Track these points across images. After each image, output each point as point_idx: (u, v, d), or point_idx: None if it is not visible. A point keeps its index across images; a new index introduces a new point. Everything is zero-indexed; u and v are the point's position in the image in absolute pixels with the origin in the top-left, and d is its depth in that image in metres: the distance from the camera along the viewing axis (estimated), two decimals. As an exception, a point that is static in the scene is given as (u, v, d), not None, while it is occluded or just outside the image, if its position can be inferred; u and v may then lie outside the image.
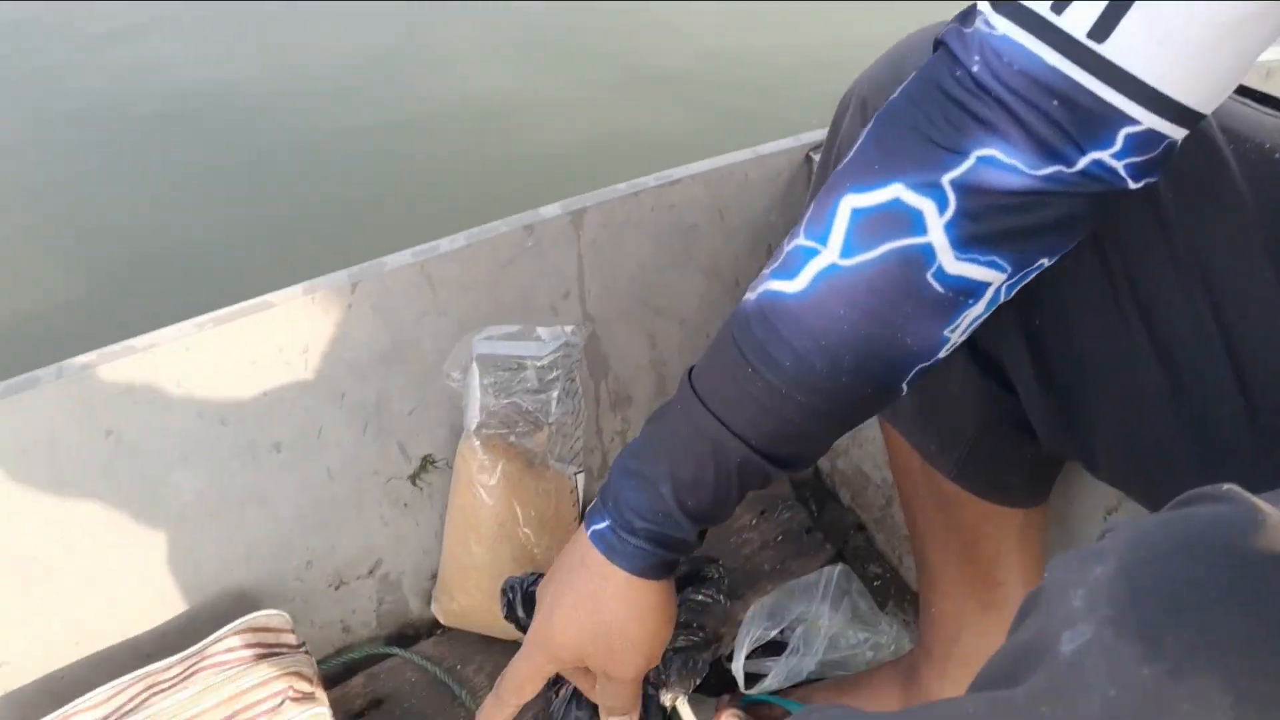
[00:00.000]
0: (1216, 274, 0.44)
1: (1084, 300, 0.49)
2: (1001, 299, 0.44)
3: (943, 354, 0.46)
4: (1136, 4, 0.34)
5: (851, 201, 0.43)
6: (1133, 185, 0.39)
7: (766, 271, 0.47)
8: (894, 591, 0.94)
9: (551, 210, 0.82)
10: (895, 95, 0.43)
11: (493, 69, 2.57)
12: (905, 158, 0.41)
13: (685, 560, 0.65)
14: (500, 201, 1.71)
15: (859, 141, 0.44)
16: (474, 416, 0.81)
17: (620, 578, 0.52)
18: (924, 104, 0.41)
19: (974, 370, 0.58)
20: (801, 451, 0.50)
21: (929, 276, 0.42)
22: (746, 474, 0.50)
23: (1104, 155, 0.38)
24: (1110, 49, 0.35)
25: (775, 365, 0.45)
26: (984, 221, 0.40)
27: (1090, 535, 0.73)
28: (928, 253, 0.41)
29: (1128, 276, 0.47)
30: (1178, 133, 0.38)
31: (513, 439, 0.83)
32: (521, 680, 0.58)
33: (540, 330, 0.82)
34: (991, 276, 0.42)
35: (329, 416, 0.79)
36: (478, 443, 0.81)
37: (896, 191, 0.41)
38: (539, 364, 0.81)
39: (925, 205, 0.41)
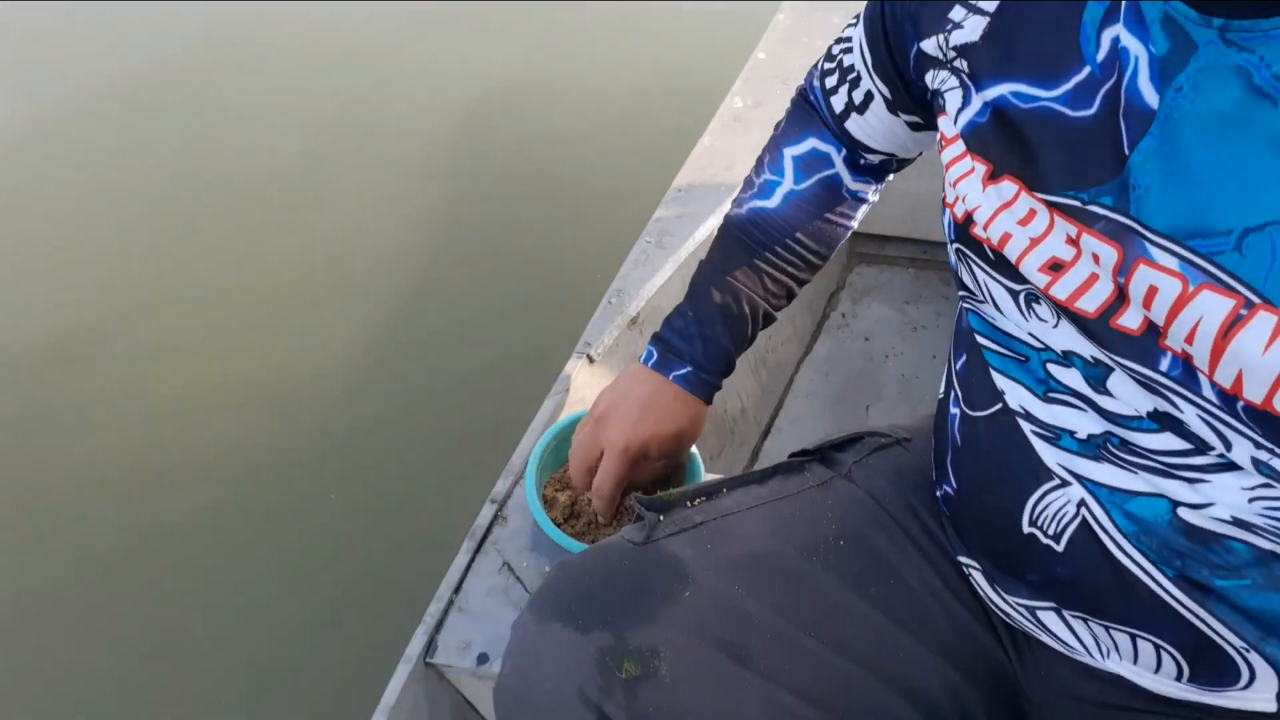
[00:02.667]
0: None
1: None
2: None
3: (849, 233, 0.81)
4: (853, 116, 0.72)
5: (790, 152, 0.77)
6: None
7: (745, 196, 0.79)
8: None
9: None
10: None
11: None
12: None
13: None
14: None
15: (785, 123, 0.80)
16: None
17: (700, 404, 0.78)
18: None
19: None
20: (783, 302, 0.81)
21: (843, 192, 0.77)
22: (756, 317, 0.78)
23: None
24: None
25: (773, 250, 0.78)
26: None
27: None
28: (839, 179, 0.77)
29: None
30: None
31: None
32: (620, 478, 0.78)
33: None
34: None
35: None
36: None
37: (813, 143, 0.76)
38: None
39: (830, 150, 0.76)
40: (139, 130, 2.48)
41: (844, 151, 0.75)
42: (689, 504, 0.67)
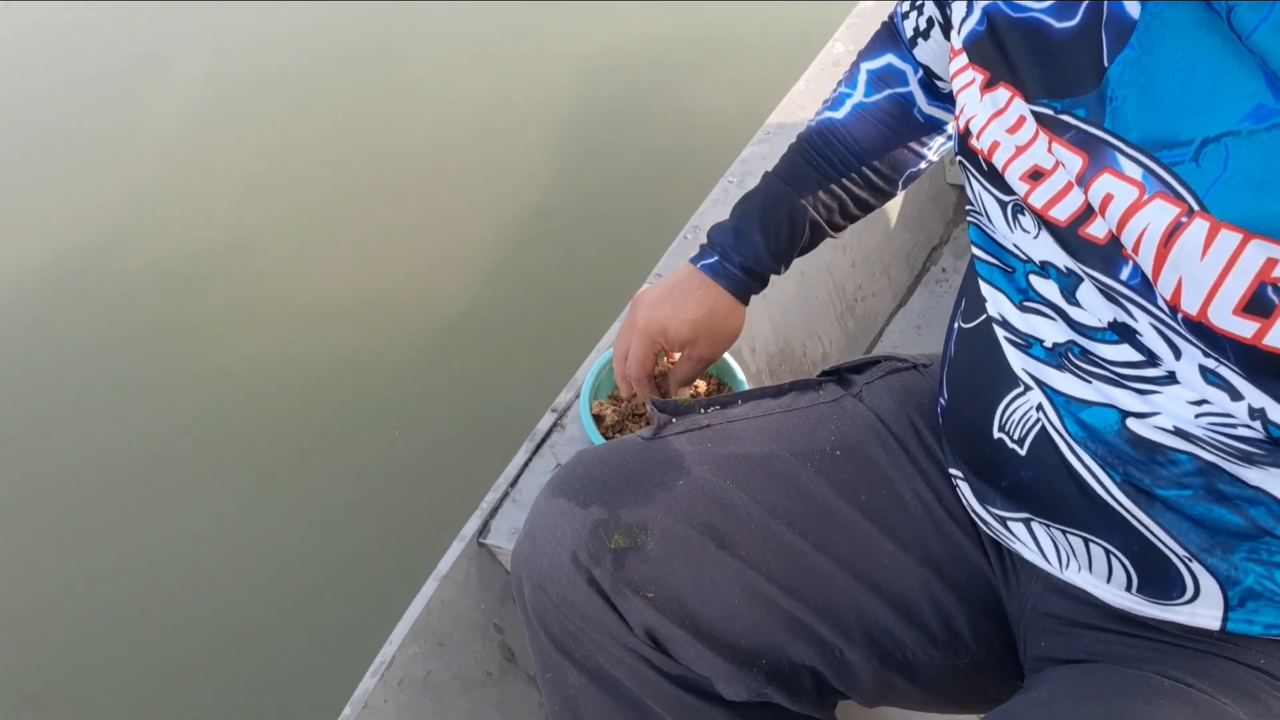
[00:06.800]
0: None
1: None
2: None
3: (924, 165, 0.80)
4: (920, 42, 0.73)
5: (866, 66, 0.78)
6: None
7: (823, 107, 0.79)
8: None
9: None
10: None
11: None
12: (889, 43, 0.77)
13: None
14: None
15: (869, 40, 0.79)
16: None
17: (724, 295, 0.79)
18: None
19: None
20: (836, 218, 0.80)
21: (914, 113, 0.77)
22: (799, 222, 0.78)
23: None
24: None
25: (830, 160, 0.78)
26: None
27: None
28: (911, 98, 0.76)
29: None
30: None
31: None
32: (642, 358, 0.81)
33: None
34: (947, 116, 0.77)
35: None
36: None
37: (890, 59, 0.76)
38: None
39: (906, 68, 0.75)
40: (315, 83, 2.72)
41: (920, 73, 0.75)
42: (703, 410, 0.72)
